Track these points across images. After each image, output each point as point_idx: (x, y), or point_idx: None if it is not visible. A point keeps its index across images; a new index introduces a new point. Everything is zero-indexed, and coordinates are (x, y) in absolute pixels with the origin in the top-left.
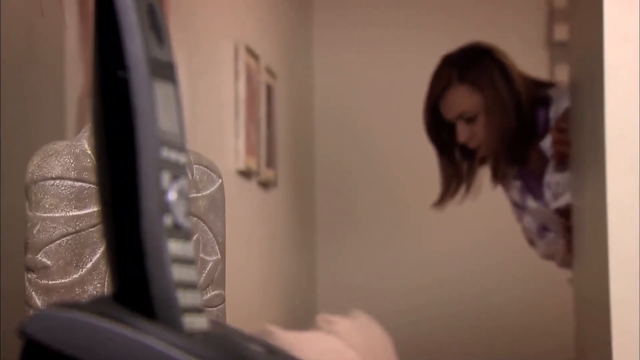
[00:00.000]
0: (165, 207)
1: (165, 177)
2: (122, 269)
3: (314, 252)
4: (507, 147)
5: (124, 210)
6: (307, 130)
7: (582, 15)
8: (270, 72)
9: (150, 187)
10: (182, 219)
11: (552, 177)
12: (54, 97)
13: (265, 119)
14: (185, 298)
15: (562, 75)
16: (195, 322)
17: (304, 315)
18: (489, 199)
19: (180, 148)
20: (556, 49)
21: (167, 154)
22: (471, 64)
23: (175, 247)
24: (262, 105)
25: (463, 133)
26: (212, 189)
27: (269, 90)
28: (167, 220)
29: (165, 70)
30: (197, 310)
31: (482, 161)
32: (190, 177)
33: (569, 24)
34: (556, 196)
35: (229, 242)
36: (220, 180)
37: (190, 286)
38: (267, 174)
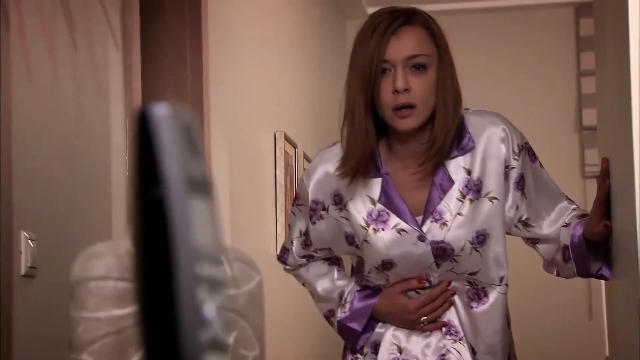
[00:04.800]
0: (202, 322)
1: (202, 291)
2: None
3: None
4: (449, 125)
5: (161, 324)
6: None
7: (608, 100)
8: (307, 158)
9: (186, 302)
10: (219, 332)
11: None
12: (101, 192)
13: None
14: None
15: (593, 159)
16: None
17: None
18: None
19: (217, 262)
20: (586, 134)
21: (203, 268)
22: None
23: None
24: None
25: (402, 80)
26: (252, 285)
27: None
28: (205, 335)
29: (200, 186)
30: None
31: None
32: (230, 274)
33: (597, 109)
34: None
35: (270, 327)
36: (259, 277)
37: None
38: None
